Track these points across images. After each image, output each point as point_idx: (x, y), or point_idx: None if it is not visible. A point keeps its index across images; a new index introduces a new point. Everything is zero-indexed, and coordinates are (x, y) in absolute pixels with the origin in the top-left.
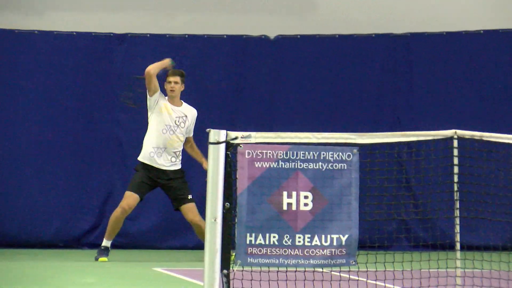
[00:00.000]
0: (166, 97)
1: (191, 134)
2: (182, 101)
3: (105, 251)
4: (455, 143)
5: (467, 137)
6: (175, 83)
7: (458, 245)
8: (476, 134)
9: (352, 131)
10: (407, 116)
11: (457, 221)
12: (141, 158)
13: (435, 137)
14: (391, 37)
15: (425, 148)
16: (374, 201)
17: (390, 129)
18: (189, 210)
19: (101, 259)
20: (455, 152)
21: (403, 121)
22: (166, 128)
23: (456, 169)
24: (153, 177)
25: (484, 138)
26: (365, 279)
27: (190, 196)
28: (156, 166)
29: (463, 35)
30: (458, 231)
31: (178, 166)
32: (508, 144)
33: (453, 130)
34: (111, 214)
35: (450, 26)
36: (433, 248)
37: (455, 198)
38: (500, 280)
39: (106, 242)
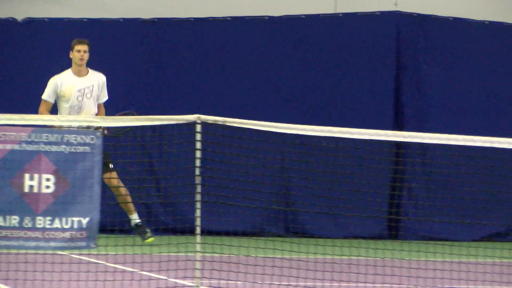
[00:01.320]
0: (68, 70)
1: (102, 101)
2: (88, 68)
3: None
4: (198, 127)
5: (210, 122)
6: (84, 52)
7: (198, 229)
8: (219, 119)
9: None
10: (156, 101)
11: (198, 205)
12: None
13: (179, 122)
14: (140, 22)
15: (169, 133)
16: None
17: (138, 114)
18: (114, 176)
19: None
20: (198, 136)
21: (151, 106)
22: (71, 111)
23: (198, 154)
24: None
25: (227, 123)
26: (104, 262)
27: (111, 165)
28: None
29: (210, 21)
30: (199, 215)
31: None
32: (252, 130)
33: (196, 115)
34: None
35: (197, 13)
36: (174, 232)
37: (196, 182)
38: (239, 265)
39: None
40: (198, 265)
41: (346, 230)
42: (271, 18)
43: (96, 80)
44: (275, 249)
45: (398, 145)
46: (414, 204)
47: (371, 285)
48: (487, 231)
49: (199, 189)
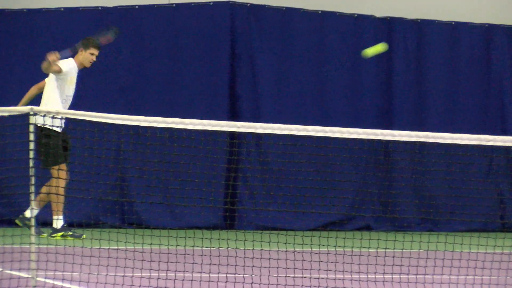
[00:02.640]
0: (73, 61)
1: None
2: None
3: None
4: (32, 119)
5: (43, 113)
6: (96, 56)
7: (33, 221)
8: (52, 110)
9: None
10: (7, 94)
11: (32, 197)
12: (50, 125)
13: (11, 113)
14: (8, 12)
15: (2, 124)
16: None
17: None
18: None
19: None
20: (31, 128)
21: (4, 99)
22: (66, 98)
23: (31, 145)
24: (62, 140)
25: (60, 115)
26: None
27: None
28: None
29: (43, 12)
30: (34, 207)
31: None
32: (86, 121)
33: (30, 106)
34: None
35: (31, 3)
36: (10, 224)
37: (30, 174)
38: (75, 256)
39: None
40: (33, 256)
41: (182, 221)
42: (104, 9)
43: None
44: (110, 240)
45: (232, 135)
46: (250, 194)
47: (206, 275)
48: (322, 220)
49: (33, 181)
